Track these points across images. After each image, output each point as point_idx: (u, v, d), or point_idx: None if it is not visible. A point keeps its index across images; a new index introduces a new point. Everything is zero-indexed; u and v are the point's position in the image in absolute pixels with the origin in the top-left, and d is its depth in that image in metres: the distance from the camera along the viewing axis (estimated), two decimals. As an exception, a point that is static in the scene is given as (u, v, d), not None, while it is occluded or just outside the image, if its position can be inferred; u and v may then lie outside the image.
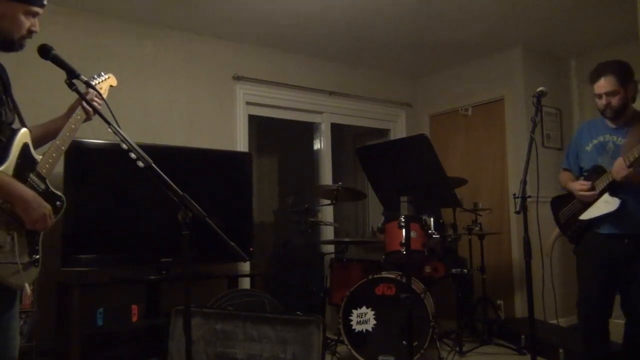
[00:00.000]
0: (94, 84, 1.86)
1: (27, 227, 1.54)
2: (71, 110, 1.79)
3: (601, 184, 2.57)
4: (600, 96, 2.58)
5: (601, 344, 2.62)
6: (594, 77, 2.60)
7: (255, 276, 4.10)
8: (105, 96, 1.89)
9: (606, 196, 2.55)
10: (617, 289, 2.62)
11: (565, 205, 2.80)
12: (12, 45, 1.57)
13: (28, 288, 1.57)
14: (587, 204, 2.63)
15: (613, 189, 2.53)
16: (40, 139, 1.72)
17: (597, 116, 2.76)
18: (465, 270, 4.08)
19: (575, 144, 2.83)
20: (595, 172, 2.63)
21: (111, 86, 2.02)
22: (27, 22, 1.57)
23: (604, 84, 2.55)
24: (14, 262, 1.49)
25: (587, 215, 2.63)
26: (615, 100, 2.54)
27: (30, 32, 1.59)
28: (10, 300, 1.58)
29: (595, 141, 2.68)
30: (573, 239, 2.78)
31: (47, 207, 1.56)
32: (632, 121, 2.58)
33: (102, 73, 2.00)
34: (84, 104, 1.75)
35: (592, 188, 2.59)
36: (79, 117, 1.76)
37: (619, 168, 2.45)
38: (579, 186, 2.65)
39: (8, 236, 1.48)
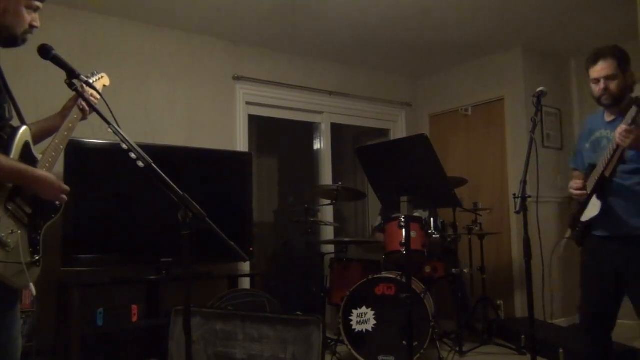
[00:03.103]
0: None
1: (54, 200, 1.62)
2: (66, 109, 1.78)
3: (591, 183, 2.43)
4: (597, 81, 2.40)
5: (601, 351, 2.48)
6: (592, 60, 2.41)
7: (255, 276, 4.10)
8: (99, 96, 1.89)
9: (594, 198, 2.41)
10: (624, 296, 2.44)
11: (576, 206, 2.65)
12: (15, 40, 1.56)
13: (33, 288, 1.56)
14: (583, 204, 2.49)
15: (601, 189, 2.38)
16: (34, 138, 1.71)
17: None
18: (465, 270, 4.09)
19: (579, 141, 2.68)
20: (591, 171, 2.48)
21: (104, 86, 2.00)
22: (28, 17, 1.57)
23: (602, 67, 2.37)
24: (18, 262, 1.49)
25: (584, 217, 2.50)
26: (613, 85, 2.36)
27: (31, 27, 1.59)
28: (12, 300, 1.58)
29: (592, 138, 2.54)
30: (578, 240, 2.64)
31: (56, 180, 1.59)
32: (625, 111, 2.38)
33: (96, 72, 1.98)
34: (80, 103, 1.75)
35: (583, 187, 2.46)
36: (75, 116, 1.76)
37: (624, 134, 2.17)
38: (573, 184, 2.52)
39: (13, 236, 1.48)
